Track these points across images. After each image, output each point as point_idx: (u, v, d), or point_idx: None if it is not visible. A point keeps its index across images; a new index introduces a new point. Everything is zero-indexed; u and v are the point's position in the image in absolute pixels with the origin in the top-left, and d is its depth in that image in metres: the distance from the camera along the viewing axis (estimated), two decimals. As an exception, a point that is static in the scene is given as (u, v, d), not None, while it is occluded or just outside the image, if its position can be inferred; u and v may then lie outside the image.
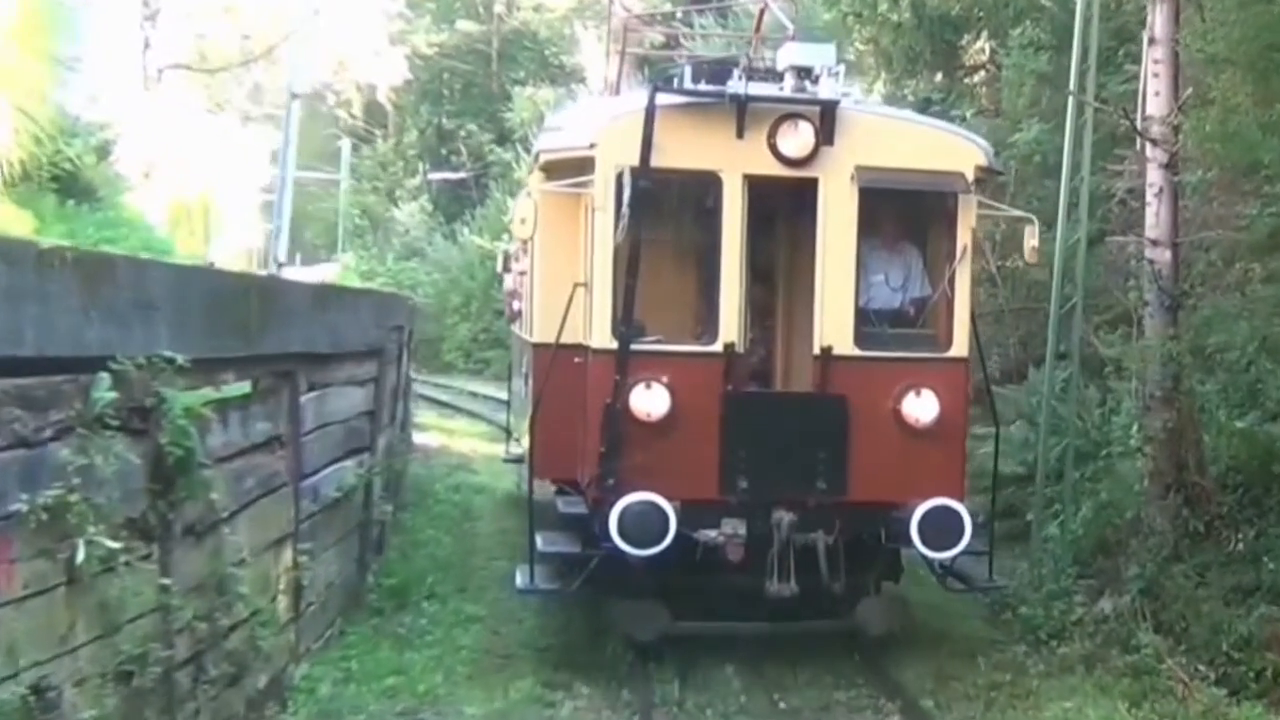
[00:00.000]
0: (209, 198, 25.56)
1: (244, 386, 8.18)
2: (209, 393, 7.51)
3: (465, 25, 48.81)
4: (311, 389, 9.49)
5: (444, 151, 46.91)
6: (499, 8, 49.35)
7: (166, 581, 6.38)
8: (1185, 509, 11.90)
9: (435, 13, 49.05)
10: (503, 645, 10.99)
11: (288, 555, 8.87)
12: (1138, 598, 11.41)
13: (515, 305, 15.55)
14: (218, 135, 25.71)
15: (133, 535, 6.00)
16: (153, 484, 6.25)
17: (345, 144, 45.54)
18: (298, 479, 9.10)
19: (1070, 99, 13.55)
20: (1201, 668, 10.05)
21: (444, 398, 32.31)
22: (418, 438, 24.06)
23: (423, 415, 28.62)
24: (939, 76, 21.53)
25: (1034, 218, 11.02)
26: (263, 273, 23.13)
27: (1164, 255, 12.33)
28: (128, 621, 5.94)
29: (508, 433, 18.57)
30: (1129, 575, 11.83)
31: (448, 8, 48.98)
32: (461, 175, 42.55)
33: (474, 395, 32.26)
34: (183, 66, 29.84)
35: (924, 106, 19.37)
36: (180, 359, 6.24)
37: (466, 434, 26.31)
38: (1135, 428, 13.19)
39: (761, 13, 13.63)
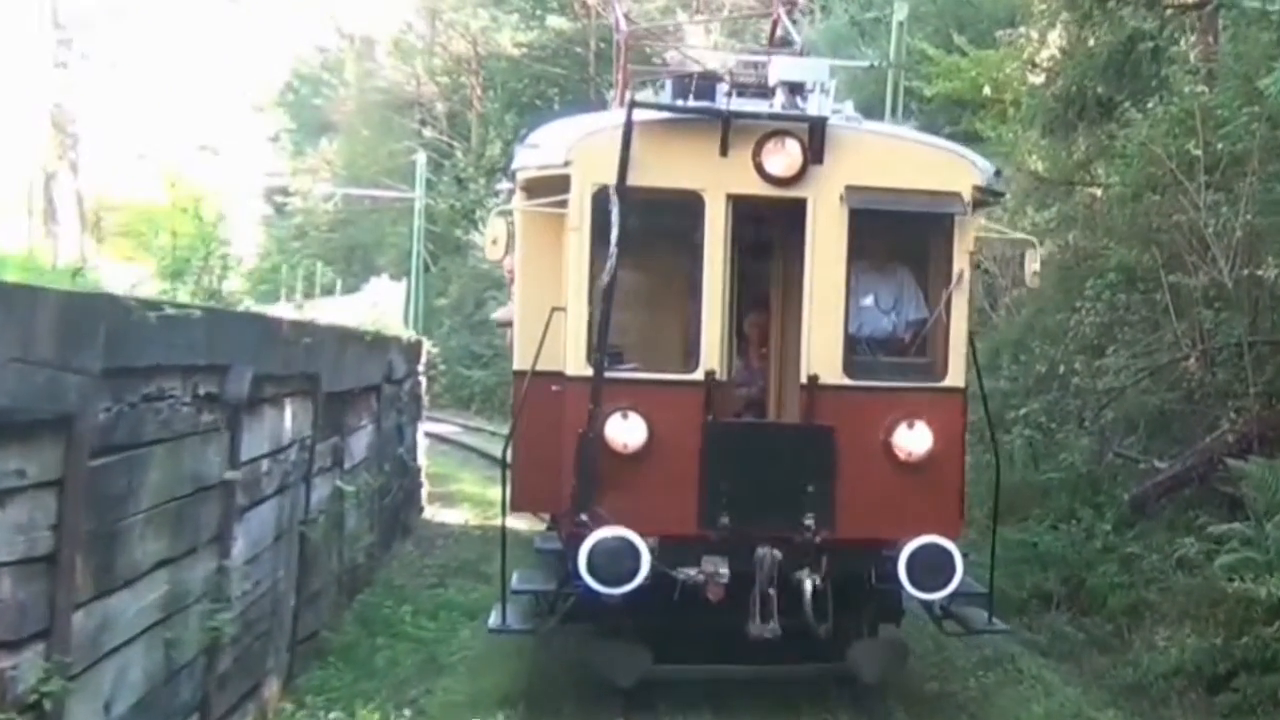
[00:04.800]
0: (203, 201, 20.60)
1: None
2: None
3: (556, 22, 43.59)
4: None
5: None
6: (594, -1, 43.79)
7: None
8: None
9: (524, 9, 43.86)
10: None
11: None
12: None
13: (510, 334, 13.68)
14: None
15: None
16: None
17: (420, 157, 41.02)
18: None
19: None
20: None
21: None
22: (439, 515, 19.42)
23: (465, 479, 23.78)
24: (1139, 14, 16.06)
25: (1035, 240, 10.84)
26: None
27: None
28: None
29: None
30: None
31: (537, 2, 43.69)
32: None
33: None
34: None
35: (1128, 47, 15.87)
36: None
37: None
38: None
39: (775, 25, 13.72)
